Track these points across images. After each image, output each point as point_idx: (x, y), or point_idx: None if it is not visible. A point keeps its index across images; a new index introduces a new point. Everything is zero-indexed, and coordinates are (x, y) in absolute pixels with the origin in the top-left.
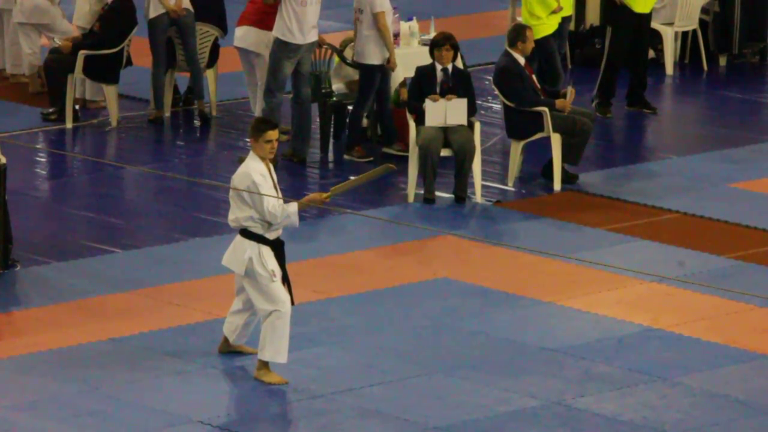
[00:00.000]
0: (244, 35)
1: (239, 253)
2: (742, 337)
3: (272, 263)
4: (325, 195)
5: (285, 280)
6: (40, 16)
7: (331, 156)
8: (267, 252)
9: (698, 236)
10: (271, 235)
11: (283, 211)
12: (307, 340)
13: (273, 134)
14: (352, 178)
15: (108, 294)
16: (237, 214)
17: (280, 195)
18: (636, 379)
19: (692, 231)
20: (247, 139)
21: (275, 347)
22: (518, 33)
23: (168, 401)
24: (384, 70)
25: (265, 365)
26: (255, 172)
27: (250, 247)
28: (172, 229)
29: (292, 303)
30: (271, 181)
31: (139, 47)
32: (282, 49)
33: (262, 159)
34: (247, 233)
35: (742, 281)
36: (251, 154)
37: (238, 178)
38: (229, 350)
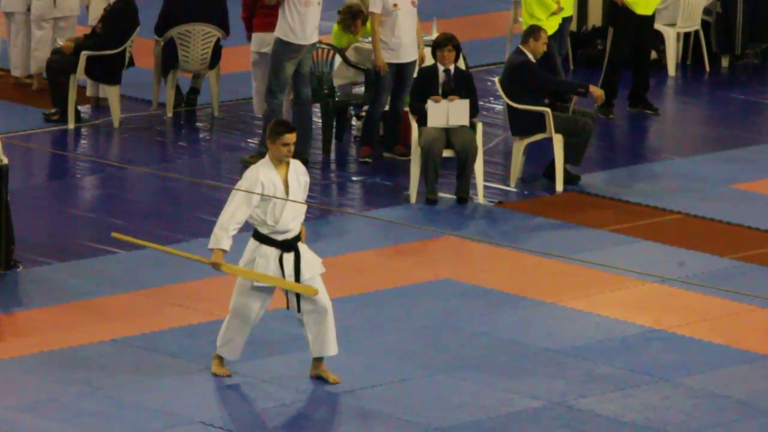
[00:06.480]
0: (266, 41)
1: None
2: (744, 338)
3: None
4: (221, 267)
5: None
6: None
7: (333, 157)
8: (265, 252)
9: (700, 237)
10: (277, 237)
11: (220, 226)
12: None
13: (290, 137)
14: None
15: (110, 295)
16: None
17: (297, 198)
18: (638, 380)
19: (694, 232)
20: (249, 140)
21: (228, 348)
22: (533, 30)
23: (170, 402)
24: (400, 71)
25: (218, 356)
26: (258, 181)
27: (252, 243)
28: (174, 229)
29: (298, 310)
30: (281, 188)
31: (141, 48)
32: (284, 49)
33: (278, 163)
34: (254, 231)
35: (744, 282)
36: (266, 158)
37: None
38: (314, 374)
